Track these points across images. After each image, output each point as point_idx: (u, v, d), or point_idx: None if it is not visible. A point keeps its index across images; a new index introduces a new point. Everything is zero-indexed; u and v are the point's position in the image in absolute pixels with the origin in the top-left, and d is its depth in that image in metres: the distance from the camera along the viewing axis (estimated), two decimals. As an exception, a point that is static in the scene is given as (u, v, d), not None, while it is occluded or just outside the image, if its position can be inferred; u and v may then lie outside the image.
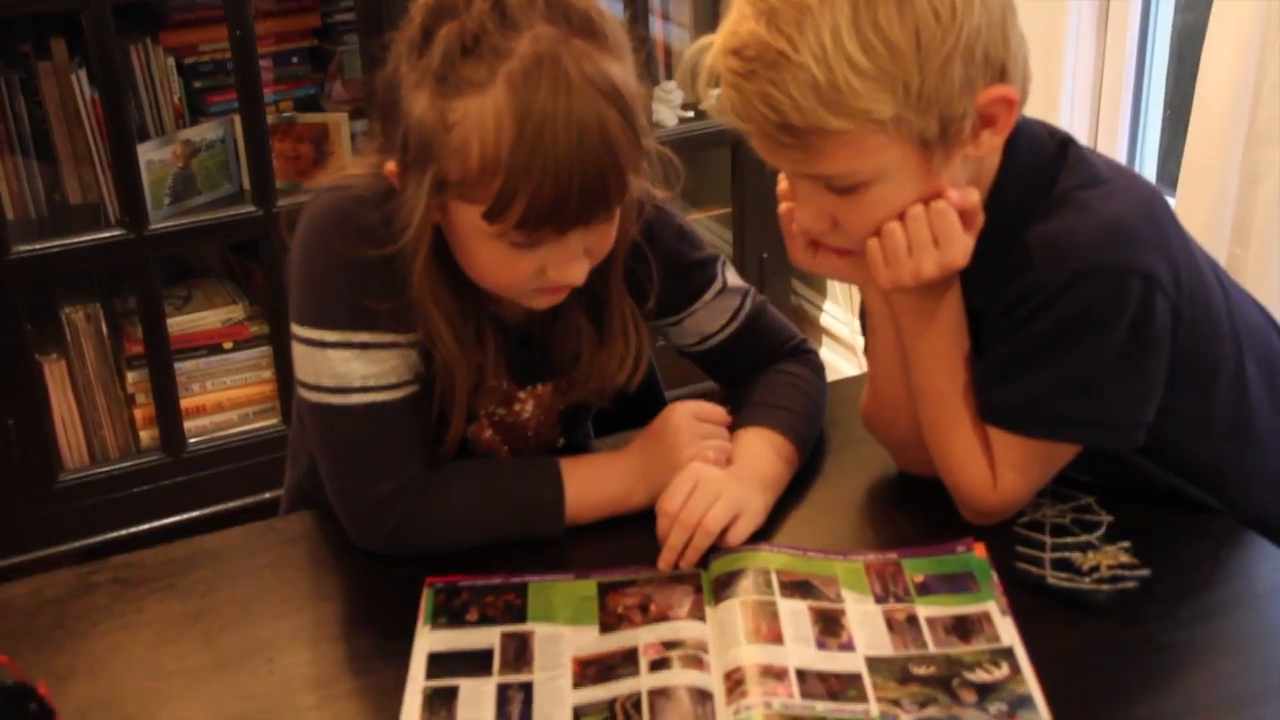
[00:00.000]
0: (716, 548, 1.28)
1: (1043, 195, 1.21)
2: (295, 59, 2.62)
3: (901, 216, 1.19)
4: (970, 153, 1.16)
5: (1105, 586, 1.21)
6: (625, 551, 1.32)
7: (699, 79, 1.18)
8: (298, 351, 1.31)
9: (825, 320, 3.11)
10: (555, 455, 1.36)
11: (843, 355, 3.04)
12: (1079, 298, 1.16)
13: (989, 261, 1.20)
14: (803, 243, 1.27)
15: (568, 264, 1.22)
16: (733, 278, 1.44)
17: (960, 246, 1.19)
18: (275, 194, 2.48)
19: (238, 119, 2.50)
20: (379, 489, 1.29)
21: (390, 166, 1.25)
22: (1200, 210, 1.96)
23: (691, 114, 2.85)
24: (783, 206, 1.26)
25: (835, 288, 3.08)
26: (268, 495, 2.64)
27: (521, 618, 1.23)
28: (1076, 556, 1.25)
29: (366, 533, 1.31)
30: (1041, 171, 1.21)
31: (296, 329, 1.30)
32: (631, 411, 1.45)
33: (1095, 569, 1.24)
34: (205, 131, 2.54)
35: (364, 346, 1.28)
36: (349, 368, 1.28)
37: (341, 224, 1.27)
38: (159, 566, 1.34)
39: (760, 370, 1.46)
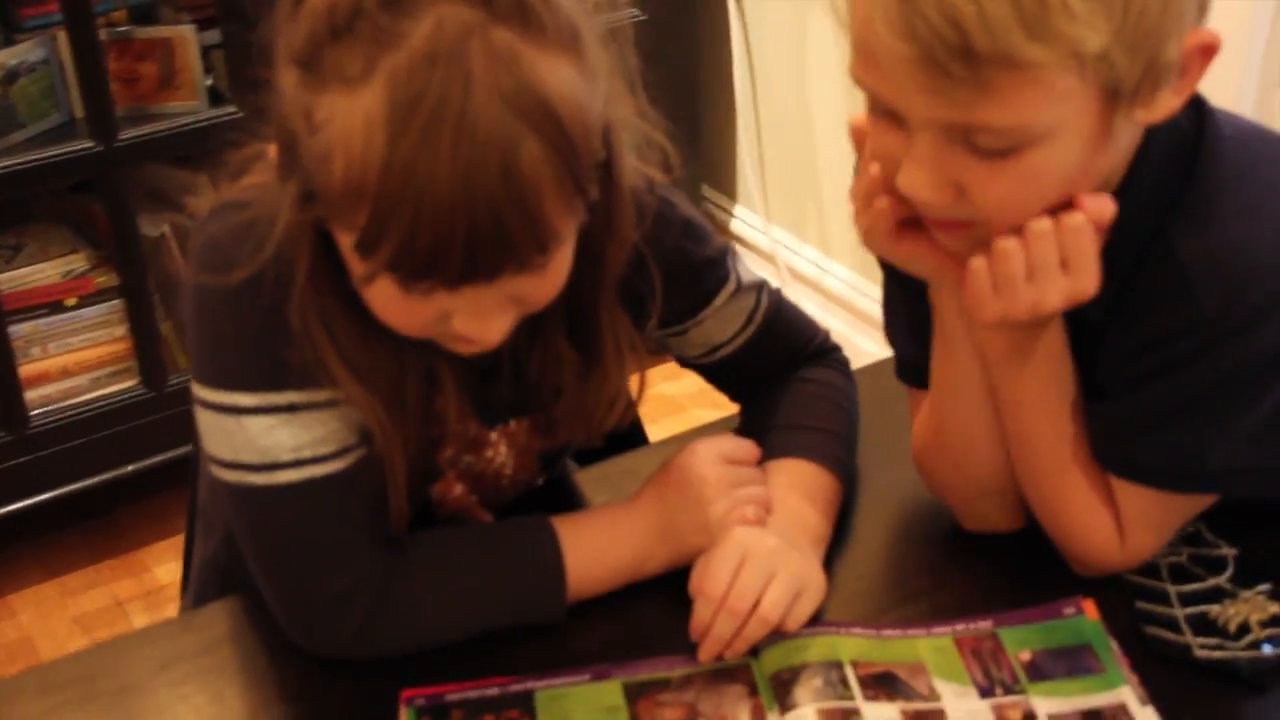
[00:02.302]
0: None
1: (1182, 185, 0.94)
2: (126, -40, 2.22)
3: (1019, 231, 0.91)
4: (1140, 117, 0.88)
5: (1267, 651, 0.98)
6: (646, 633, 1.05)
7: None
8: (203, 420, 1.00)
9: (736, 226, 2.85)
10: (544, 514, 1.07)
11: (758, 265, 2.78)
12: (1261, 336, 0.91)
13: (1109, 268, 0.93)
14: (889, 223, 0.97)
15: (474, 318, 0.92)
16: (745, 272, 1.15)
17: (1094, 272, 0.92)
18: (116, 123, 2.11)
19: (62, 35, 2.11)
20: (331, 585, 1.00)
21: (272, 151, 0.94)
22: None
23: None
24: (873, 168, 0.95)
25: (750, 191, 2.80)
26: (130, 468, 2.32)
27: (533, 744, 0.96)
28: (1215, 612, 1.02)
29: (320, 640, 1.02)
30: (1180, 152, 0.94)
31: (199, 391, 1.00)
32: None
33: (1245, 628, 1.00)
34: (24, 52, 2.14)
35: (290, 409, 0.98)
36: (274, 438, 0.98)
37: (237, 252, 0.95)
38: (35, 695, 1.03)
39: (780, 380, 1.18)
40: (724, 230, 2.86)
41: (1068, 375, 1.01)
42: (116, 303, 2.26)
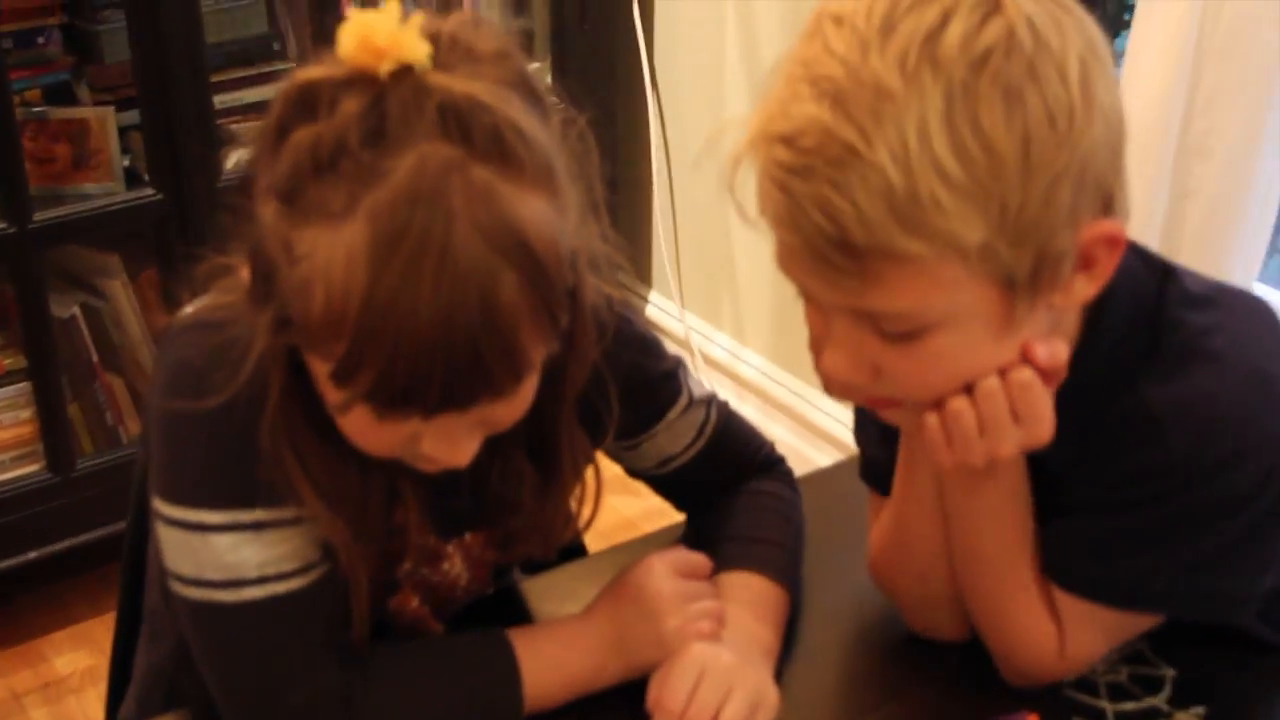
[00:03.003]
0: (727, 748, 1.04)
1: (1149, 346, 1.00)
2: (41, 39, 2.21)
3: (969, 389, 0.96)
4: (1057, 301, 0.94)
5: (1196, 774, 1.04)
6: (602, 748, 1.08)
7: (731, 165, 0.92)
8: (166, 537, 1.01)
9: (651, 312, 2.89)
10: (497, 626, 1.10)
11: (672, 350, 2.81)
12: (1225, 481, 0.97)
13: (1071, 420, 0.98)
14: None
15: (444, 442, 0.96)
16: (696, 386, 1.20)
17: (1048, 421, 0.97)
18: (31, 204, 2.10)
19: (-24, 114, 2.10)
20: (291, 701, 1.01)
21: (246, 275, 0.96)
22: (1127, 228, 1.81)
23: None
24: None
25: (665, 278, 2.85)
26: (33, 555, 2.29)
27: None
28: (1149, 730, 1.07)
29: (277, 757, 1.03)
30: (1141, 313, 1.00)
31: (164, 508, 1.01)
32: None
33: (1175, 749, 1.06)
34: (-65, 131, 2.13)
35: (257, 527, 1.00)
36: (240, 555, 1.00)
37: (211, 376, 0.97)
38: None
39: (729, 491, 1.23)
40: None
41: (1024, 503, 1.06)
42: (23, 385, 2.24)
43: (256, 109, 2.34)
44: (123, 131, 2.24)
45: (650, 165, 2.79)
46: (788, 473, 1.26)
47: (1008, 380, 0.95)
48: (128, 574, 1.29)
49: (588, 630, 1.11)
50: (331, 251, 0.87)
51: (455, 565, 1.14)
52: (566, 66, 2.63)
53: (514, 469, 1.08)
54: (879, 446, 1.15)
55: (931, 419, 0.98)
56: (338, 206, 0.87)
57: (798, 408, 2.60)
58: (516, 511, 1.10)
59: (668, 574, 1.12)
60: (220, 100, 2.25)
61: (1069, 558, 1.06)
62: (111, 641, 1.35)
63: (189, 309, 1.05)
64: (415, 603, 1.13)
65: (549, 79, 2.63)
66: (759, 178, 0.91)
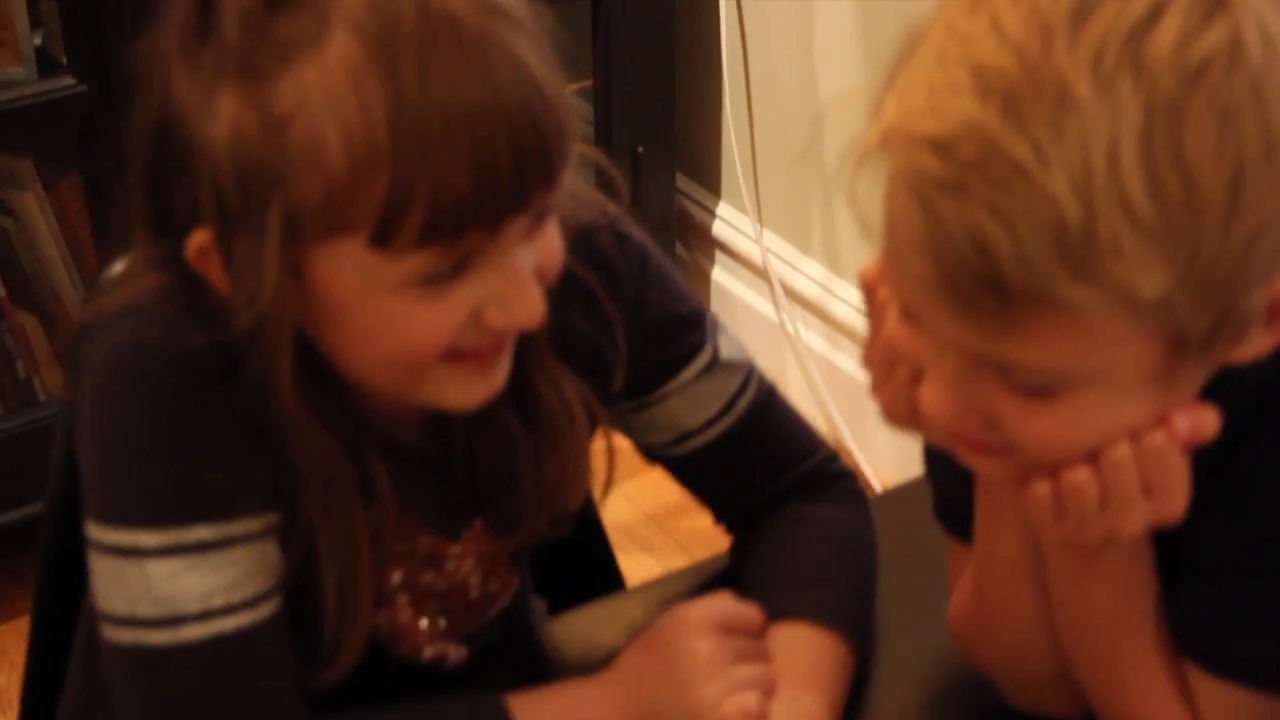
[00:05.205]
0: None
1: None
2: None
3: (1094, 457, 1.01)
4: (1226, 357, 0.98)
5: None
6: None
7: (854, 163, 0.96)
8: (98, 568, 1.11)
9: (719, 229, 2.97)
10: (497, 693, 1.18)
11: (746, 280, 2.91)
12: None
13: (1198, 464, 1.03)
14: (908, 397, 1.06)
15: (516, 291, 1.06)
16: (728, 347, 1.28)
17: (1182, 493, 1.02)
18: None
19: None
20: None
21: (198, 242, 1.06)
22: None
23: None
24: (891, 325, 1.04)
25: (737, 186, 2.92)
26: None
27: None
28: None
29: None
30: None
31: (95, 531, 1.11)
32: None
33: None
34: None
35: (201, 549, 1.09)
36: (179, 585, 1.09)
37: (163, 373, 1.09)
38: None
39: (774, 504, 1.31)
40: (703, 233, 2.99)
41: (1147, 570, 1.11)
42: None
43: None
44: (32, 2, 2.30)
45: (720, 40, 2.83)
46: (855, 491, 1.33)
47: (1140, 446, 1.00)
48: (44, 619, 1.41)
49: (604, 697, 1.19)
50: (327, 79, 0.99)
51: (465, 565, 1.23)
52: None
53: (502, 428, 1.18)
54: (954, 476, 1.18)
55: (1041, 489, 1.02)
56: (311, 31, 0.99)
57: (907, 360, 2.66)
58: (515, 483, 1.20)
59: (706, 629, 1.19)
60: (159, -39, 2.33)
61: (1206, 632, 1.11)
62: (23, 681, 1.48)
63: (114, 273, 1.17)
64: (407, 614, 1.22)
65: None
66: (891, 181, 0.94)
